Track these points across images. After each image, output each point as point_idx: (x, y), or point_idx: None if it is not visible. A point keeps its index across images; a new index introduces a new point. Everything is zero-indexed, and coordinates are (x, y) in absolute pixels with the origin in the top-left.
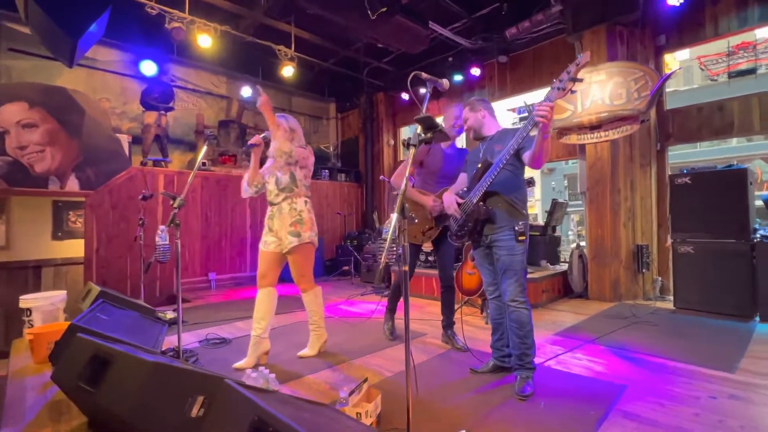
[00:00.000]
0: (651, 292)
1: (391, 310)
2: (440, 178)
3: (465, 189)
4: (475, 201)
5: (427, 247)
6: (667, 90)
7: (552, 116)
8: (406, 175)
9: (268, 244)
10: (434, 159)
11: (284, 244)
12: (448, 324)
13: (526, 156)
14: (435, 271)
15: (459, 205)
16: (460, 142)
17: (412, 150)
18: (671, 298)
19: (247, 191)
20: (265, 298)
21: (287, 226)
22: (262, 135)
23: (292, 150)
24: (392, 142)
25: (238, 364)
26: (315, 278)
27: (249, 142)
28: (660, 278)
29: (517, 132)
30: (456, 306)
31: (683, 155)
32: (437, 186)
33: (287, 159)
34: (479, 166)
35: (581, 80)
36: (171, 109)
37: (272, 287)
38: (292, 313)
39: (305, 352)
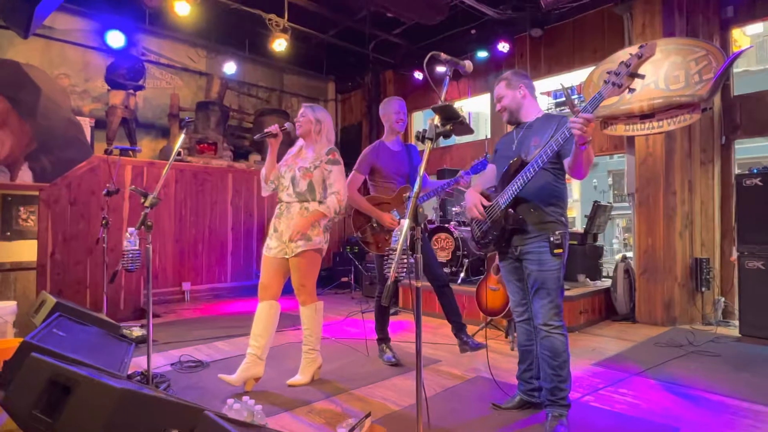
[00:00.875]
0: (711, 315)
1: (382, 339)
2: (397, 177)
3: (493, 187)
4: (503, 206)
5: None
6: (735, 70)
7: (591, 130)
8: (420, 173)
9: (270, 249)
10: (385, 161)
11: (289, 248)
12: (458, 328)
13: (566, 163)
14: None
15: (484, 207)
16: (481, 131)
17: (428, 144)
18: (736, 323)
19: (266, 189)
20: (265, 312)
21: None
22: (284, 126)
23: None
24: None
25: (224, 375)
26: None
27: (265, 130)
28: (723, 299)
29: (560, 129)
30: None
31: (754, 150)
32: (396, 187)
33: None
34: (511, 162)
35: (643, 76)
36: (141, 87)
37: (275, 300)
38: (280, 332)
39: (296, 379)
